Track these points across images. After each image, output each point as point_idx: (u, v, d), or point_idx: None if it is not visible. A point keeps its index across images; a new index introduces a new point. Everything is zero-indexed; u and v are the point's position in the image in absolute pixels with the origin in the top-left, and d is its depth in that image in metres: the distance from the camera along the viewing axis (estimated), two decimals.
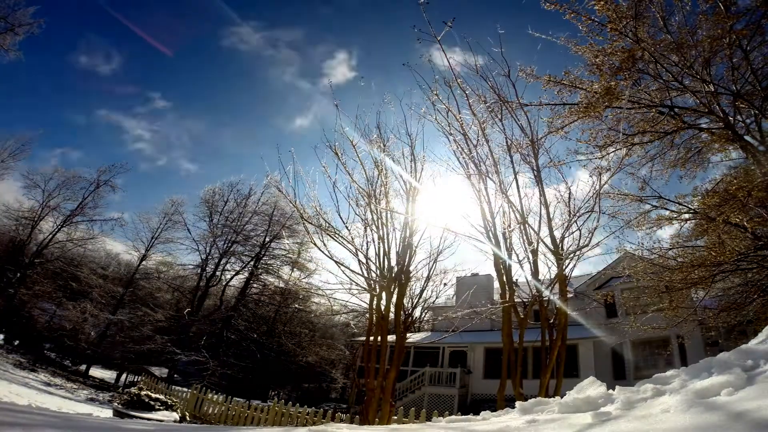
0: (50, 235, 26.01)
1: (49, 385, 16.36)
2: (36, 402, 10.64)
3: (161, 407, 10.23)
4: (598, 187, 7.26)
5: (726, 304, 9.57)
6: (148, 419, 8.87)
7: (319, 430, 2.93)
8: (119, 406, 10.53)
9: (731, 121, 6.54)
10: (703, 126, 7.18)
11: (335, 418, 8.97)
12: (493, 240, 7.26)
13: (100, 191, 27.54)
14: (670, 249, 8.96)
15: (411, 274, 7.79)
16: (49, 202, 26.48)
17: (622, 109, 7.13)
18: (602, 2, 6.03)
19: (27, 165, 34.45)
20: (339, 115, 7.76)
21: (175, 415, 10.19)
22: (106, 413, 10.40)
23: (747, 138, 6.80)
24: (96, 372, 23.58)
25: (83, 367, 23.16)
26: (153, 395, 10.59)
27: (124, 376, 22.54)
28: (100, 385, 20.42)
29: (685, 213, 8.31)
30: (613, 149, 7.66)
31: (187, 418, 10.96)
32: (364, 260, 7.51)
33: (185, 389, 13.84)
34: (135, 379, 18.88)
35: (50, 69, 54.19)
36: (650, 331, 11.16)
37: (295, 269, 30.71)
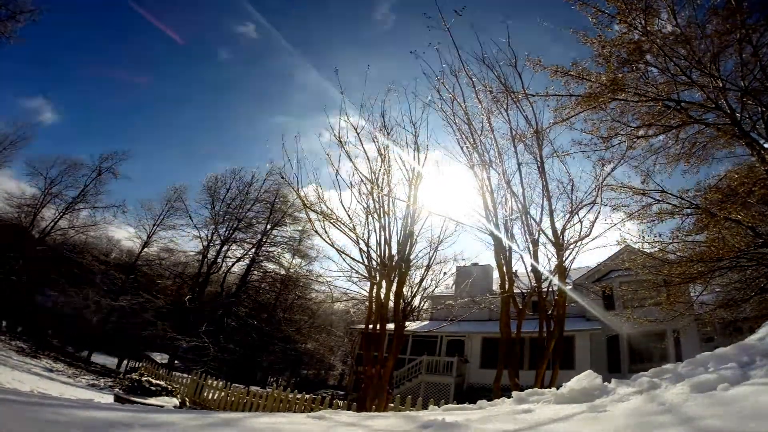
0: (52, 223, 26.09)
1: (51, 371, 16.55)
2: (38, 388, 10.78)
3: (162, 393, 10.39)
4: (600, 179, 7.26)
5: (723, 301, 9.62)
6: (149, 405, 9.00)
7: (318, 416, 2.97)
8: (120, 391, 10.70)
9: (738, 118, 6.47)
10: (709, 121, 7.11)
11: (333, 404, 9.10)
12: (494, 229, 7.27)
13: (102, 178, 27.55)
14: (671, 243, 8.95)
15: (411, 263, 7.83)
16: (51, 190, 26.50)
17: (627, 102, 7.07)
18: None
19: (29, 152, 34.61)
20: (344, 102, 7.71)
21: (175, 401, 10.35)
22: (107, 399, 10.55)
23: (753, 135, 6.74)
24: (98, 358, 23.84)
25: (85, 353, 23.41)
26: (154, 381, 10.75)
27: (125, 362, 22.81)
28: (102, 371, 20.66)
29: (687, 208, 8.28)
30: (617, 141, 7.62)
31: (187, 404, 11.11)
32: (365, 248, 7.54)
33: (186, 375, 14.01)
34: (136, 365, 19.12)
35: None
36: (647, 325, 11.23)
37: (296, 256, 30.90)
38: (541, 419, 2.23)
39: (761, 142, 6.65)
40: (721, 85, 6.33)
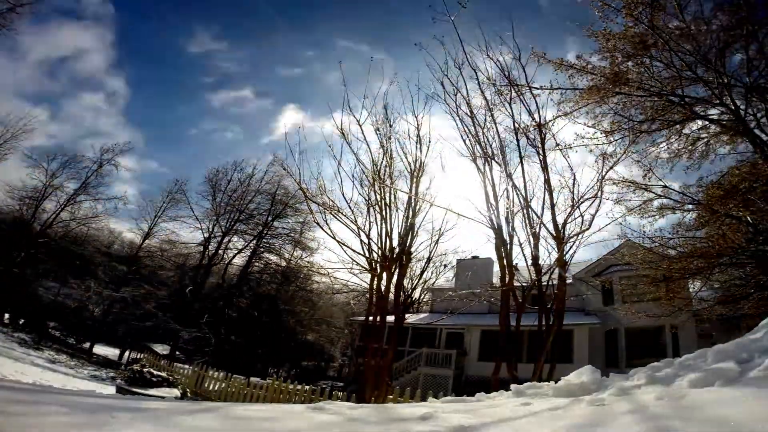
0: (54, 215, 26.07)
1: (53, 362, 16.62)
2: (41, 379, 10.86)
3: (163, 384, 10.46)
4: (602, 173, 7.23)
5: (722, 297, 9.64)
6: (150, 396, 9.09)
7: (317, 407, 3.00)
8: (122, 382, 10.77)
9: (742, 114, 6.43)
10: (713, 117, 7.07)
11: (332, 395, 9.18)
12: (495, 222, 7.27)
13: (103, 170, 27.49)
14: (671, 238, 8.94)
15: (412, 255, 7.85)
16: (53, 182, 26.44)
17: (631, 96, 7.02)
18: None
19: (30, 144, 34.51)
20: (346, 94, 7.69)
21: (176, 392, 10.44)
22: (110, 390, 10.65)
23: (756, 132, 6.70)
24: (100, 349, 23.99)
25: (87, 344, 23.55)
26: (155, 372, 10.82)
27: (127, 353, 22.95)
28: (104, 362, 20.80)
29: (688, 203, 8.26)
30: (620, 136, 7.58)
31: (188, 395, 11.21)
32: (366, 240, 7.56)
33: (187, 366, 14.13)
34: (138, 356, 19.24)
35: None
36: (645, 320, 11.29)
37: (297, 248, 30.97)
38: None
39: (765, 139, 6.62)
40: (726, 81, 6.28)
